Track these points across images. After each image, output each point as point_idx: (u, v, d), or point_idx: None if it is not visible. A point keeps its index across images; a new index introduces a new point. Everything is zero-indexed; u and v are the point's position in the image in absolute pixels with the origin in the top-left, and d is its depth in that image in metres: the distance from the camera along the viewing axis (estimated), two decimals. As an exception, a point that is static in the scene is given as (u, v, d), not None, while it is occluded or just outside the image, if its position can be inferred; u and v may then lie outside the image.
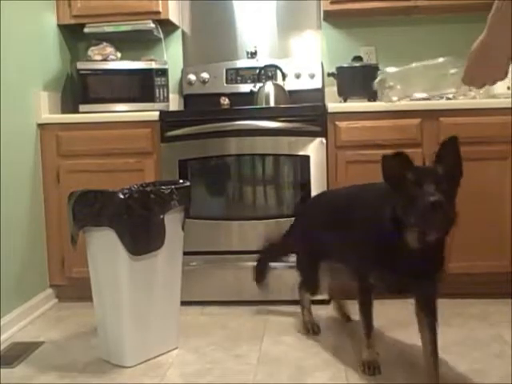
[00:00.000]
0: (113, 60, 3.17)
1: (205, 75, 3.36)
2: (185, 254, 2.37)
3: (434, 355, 1.85)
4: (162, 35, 3.30)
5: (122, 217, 2.06)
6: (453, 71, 1.44)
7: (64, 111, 3.19)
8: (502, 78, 1.37)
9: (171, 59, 3.36)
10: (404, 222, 1.71)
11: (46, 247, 2.94)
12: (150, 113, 2.90)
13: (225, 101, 3.27)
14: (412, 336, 2.12)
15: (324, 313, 2.65)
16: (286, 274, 2.80)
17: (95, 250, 2.17)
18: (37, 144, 2.89)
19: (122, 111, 3.04)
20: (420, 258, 1.77)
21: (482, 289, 2.73)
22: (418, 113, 2.68)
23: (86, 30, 3.16)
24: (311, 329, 2.42)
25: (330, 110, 2.78)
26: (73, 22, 3.15)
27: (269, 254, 2.59)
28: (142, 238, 2.10)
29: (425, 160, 1.82)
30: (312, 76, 3.31)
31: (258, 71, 3.24)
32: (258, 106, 3.07)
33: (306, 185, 2.78)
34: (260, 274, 2.59)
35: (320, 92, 3.33)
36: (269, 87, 3.12)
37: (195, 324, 2.59)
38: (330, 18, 3.31)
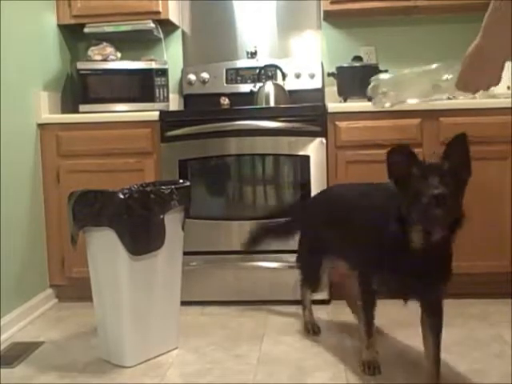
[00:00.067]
0: (113, 60, 3.17)
1: (205, 75, 3.36)
2: (185, 254, 2.37)
3: (436, 359, 1.84)
4: (162, 35, 3.30)
5: (121, 217, 2.06)
6: (446, 77, 1.44)
7: (64, 111, 3.19)
8: (496, 84, 1.37)
9: (171, 59, 3.36)
10: (409, 220, 1.68)
11: (46, 247, 2.94)
12: (149, 113, 2.91)
13: (225, 101, 3.27)
14: (412, 336, 2.12)
15: (324, 313, 2.65)
16: (286, 274, 2.80)
17: (95, 249, 2.17)
18: (37, 144, 2.89)
19: (122, 111, 3.04)
20: (425, 262, 1.73)
21: (482, 289, 2.73)
22: (417, 113, 2.68)
23: (85, 30, 3.16)
24: (311, 329, 2.41)
25: (330, 110, 2.78)
26: (73, 22, 3.15)
27: (266, 233, 2.58)
28: (142, 238, 2.10)
29: (424, 160, 1.81)
30: (312, 76, 3.31)
31: (257, 71, 3.24)
32: (258, 106, 3.07)
33: (306, 185, 2.78)
34: (250, 244, 2.58)
35: (320, 92, 3.33)
36: (269, 87, 3.12)
37: (195, 324, 2.59)
38: (330, 18, 3.31)
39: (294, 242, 2.78)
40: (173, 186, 2.19)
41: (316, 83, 3.32)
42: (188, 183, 2.32)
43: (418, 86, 1.51)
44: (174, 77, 3.37)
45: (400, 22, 3.30)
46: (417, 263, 1.74)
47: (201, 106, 3.33)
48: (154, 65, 3.13)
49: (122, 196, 2.07)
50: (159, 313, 2.21)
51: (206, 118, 2.82)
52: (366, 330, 2.00)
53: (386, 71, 3.02)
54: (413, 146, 2.62)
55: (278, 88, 3.14)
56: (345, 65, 3.09)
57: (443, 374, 1.87)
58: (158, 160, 2.85)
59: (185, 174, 2.82)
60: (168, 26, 3.32)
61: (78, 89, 3.09)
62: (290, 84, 3.26)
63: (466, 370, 2.00)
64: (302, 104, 2.92)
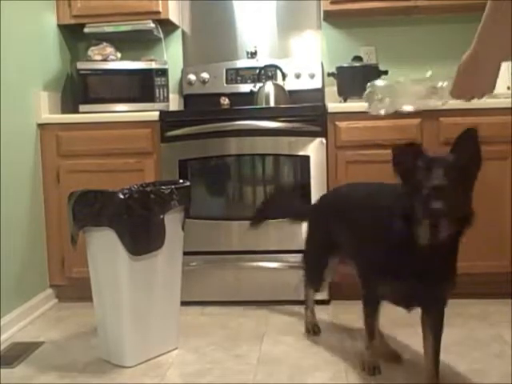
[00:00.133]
0: (113, 60, 3.17)
1: (205, 75, 3.36)
2: (185, 254, 2.37)
3: (435, 359, 1.83)
4: (162, 35, 3.30)
5: (121, 217, 2.06)
6: (441, 84, 1.45)
7: (64, 111, 3.19)
8: (491, 91, 1.37)
9: (171, 59, 3.36)
10: (414, 216, 1.63)
11: (46, 247, 2.94)
12: (149, 113, 2.91)
13: (225, 101, 3.27)
14: (412, 336, 2.12)
15: (324, 313, 2.65)
16: (286, 274, 2.81)
17: (95, 249, 2.17)
18: (37, 144, 2.89)
19: (122, 111, 3.04)
20: (432, 262, 1.70)
21: (482, 289, 2.73)
22: (417, 113, 2.68)
23: (85, 30, 3.16)
24: (312, 329, 2.41)
25: (329, 110, 2.78)
26: (73, 22, 3.15)
27: (275, 210, 2.56)
28: (142, 237, 2.10)
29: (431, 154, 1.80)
30: (312, 76, 3.31)
31: (257, 71, 3.24)
32: (258, 106, 3.07)
33: (306, 185, 2.78)
34: (257, 221, 2.56)
35: (320, 92, 3.33)
36: (269, 87, 3.12)
37: (195, 324, 2.59)
38: (330, 18, 3.31)
39: (294, 243, 2.79)
40: (173, 186, 2.19)
41: (316, 83, 3.32)
42: (188, 183, 2.32)
43: (413, 93, 1.52)
44: (173, 77, 3.37)
45: (400, 22, 3.30)
46: (423, 263, 1.70)
47: (201, 106, 3.33)
48: (153, 65, 3.13)
49: (121, 196, 2.06)
50: (159, 313, 2.21)
51: (206, 118, 2.82)
52: (369, 332, 1.98)
53: (386, 71, 3.04)
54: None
55: (278, 88, 3.14)
56: (345, 65, 3.09)
57: (443, 374, 1.87)
58: (157, 160, 2.85)
59: (185, 174, 2.82)
60: (168, 26, 3.32)
61: (78, 89, 3.09)
62: (290, 84, 3.26)
63: (466, 370, 2.00)
64: (302, 104, 2.92)
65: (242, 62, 3.37)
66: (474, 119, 2.64)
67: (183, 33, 3.45)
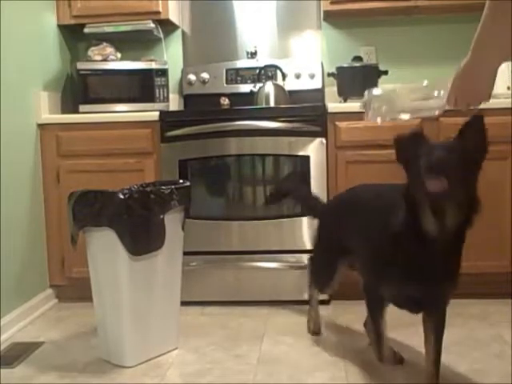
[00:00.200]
0: (113, 60, 3.17)
1: (205, 75, 3.36)
2: (185, 254, 2.37)
3: (436, 359, 1.82)
4: (162, 35, 3.30)
5: (122, 217, 2.06)
6: (437, 93, 1.45)
7: (64, 111, 3.19)
8: (487, 99, 1.37)
9: (171, 59, 3.36)
10: (418, 207, 1.60)
11: (46, 247, 2.94)
12: (150, 113, 2.91)
13: (225, 101, 3.27)
14: (412, 336, 2.12)
15: (324, 313, 2.65)
16: (286, 274, 2.81)
17: (95, 249, 2.17)
18: (37, 144, 2.89)
19: (122, 111, 3.04)
20: (436, 258, 1.66)
21: (482, 289, 2.73)
22: (417, 113, 2.68)
23: (85, 30, 3.16)
24: (313, 329, 2.40)
25: (330, 110, 2.78)
26: (73, 22, 3.15)
27: (289, 192, 2.51)
28: (142, 238, 2.10)
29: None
30: (312, 76, 3.31)
31: (258, 71, 3.24)
32: (258, 106, 3.07)
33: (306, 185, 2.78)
34: (274, 198, 2.53)
35: (320, 92, 3.33)
36: (269, 87, 3.12)
37: (195, 324, 2.59)
38: (330, 18, 3.31)
39: (294, 243, 2.79)
40: (173, 186, 2.19)
41: (316, 83, 3.32)
42: (188, 183, 2.32)
43: (410, 102, 1.52)
44: (174, 77, 3.37)
45: (400, 22, 3.30)
46: (429, 259, 1.65)
47: (201, 106, 3.33)
48: (154, 65, 3.13)
49: (121, 196, 2.07)
50: (159, 313, 2.21)
51: (206, 118, 2.82)
52: (377, 340, 1.91)
53: (386, 72, 3.04)
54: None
55: (278, 88, 3.14)
56: (345, 65, 3.09)
57: (443, 374, 1.87)
58: (157, 160, 2.85)
59: (185, 174, 2.82)
60: (168, 26, 3.32)
61: (78, 89, 3.09)
62: (290, 84, 3.26)
63: (466, 370, 2.00)
64: (302, 104, 2.92)
65: (242, 62, 3.37)
66: (474, 119, 2.64)
67: (183, 33, 3.45)
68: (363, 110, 1.68)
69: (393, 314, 2.16)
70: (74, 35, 3.32)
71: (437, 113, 1.46)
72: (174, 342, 2.31)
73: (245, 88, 3.31)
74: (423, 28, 3.30)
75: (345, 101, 3.03)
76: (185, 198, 2.24)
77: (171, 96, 3.26)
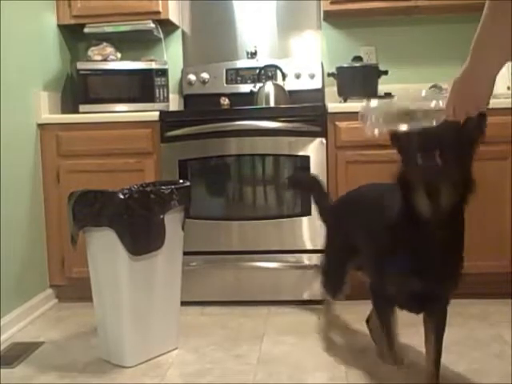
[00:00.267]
0: (113, 60, 3.17)
1: (205, 75, 3.36)
2: (185, 254, 2.37)
3: (436, 359, 1.81)
4: (162, 35, 3.30)
5: (122, 217, 2.06)
6: (435, 103, 1.45)
7: (64, 111, 3.19)
8: (485, 106, 1.37)
9: (171, 59, 3.36)
10: (413, 190, 1.58)
11: (46, 247, 2.94)
12: (150, 113, 2.91)
13: (225, 101, 3.27)
14: (412, 336, 2.12)
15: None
16: (286, 274, 2.81)
17: (95, 249, 2.17)
18: (37, 144, 2.89)
19: (122, 111, 3.04)
20: (434, 248, 1.63)
21: (481, 289, 2.72)
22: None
23: (85, 30, 3.16)
24: (325, 326, 2.32)
25: (330, 110, 2.78)
26: (73, 22, 3.15)
27: (310, 189, 2.46)
28: (142, 237, 2.10)
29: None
30: (312, 76, 3.31)
31: (258, 71, 3.24)
32: (258, 106, 3.07)
33: (306, 185, 2.78)
34: (292, 184, 2.47)
35: (320, 92, 3.33)
36: (269, 87, 3.12)
37: (195, 324, 2.59)
38: (330, 18, 3.31)
39: (294, 242, 2.79)
40: (173, 186, 2.19)
41: (316, 83, 3.32)
42: (188, 183, 2.32)
43: (407, 113, 1.52)
44: (174, 77, 3.37)
45: (400, 22, 3.30)
46: (428, 244, 1.63)
47: (201, 106, 3.33)
48: (154, 65, 3.13)
49: (121, 196, 2.07)
50: (159, 313, 2.21)
51: (206, 118, 2.82)
52: (388, 341, 1.86)
53: (386, 71, 3.04)
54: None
55: (278, 88, 3.14)
56: (345, 65, 3.09)
57: (443, 374, 1.87)
58: (158, 160, 2.85)
59: (185, 174, 2.82)
60: (168, 26, 3.32)
61: (78, 89, 3.09)
62: (290, 84, 3.26)
63: (466, 370, 2.00)
64: (302, 104, 2.92)
65: (242, 62, 3.37)
66: (474, 119, 2.64)
67: (183, 33, 3.45)
68: (361, 122, 1.68)
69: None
70: (74, 35, 3.32)
71: (435, 123, 1.46)
72: (174, 342, 2.31)
73: (245, 88, 3.31)
74: (423, 28, 3.29)
75: (345, 101, 3.03)
76: (185, 198, 2.24)
77: (171, 96, 3.26)
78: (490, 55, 1.29)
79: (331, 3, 3.06)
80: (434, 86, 2.90)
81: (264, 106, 3.07)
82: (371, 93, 2.85)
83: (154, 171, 2.84)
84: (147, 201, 2.11)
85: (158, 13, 3.12)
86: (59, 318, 2.77)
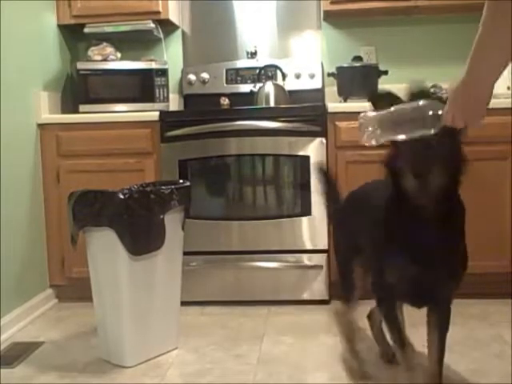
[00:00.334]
0: (113, 60, 3.17)
1: (205, 75, 3.36)
2: (185, 254, 2.37)
3: (439, 358, 1.78)
4: (162, 35, 3.30)
5: (122, 217, 2.06)
6: (433, 113, 1.45)
7: (64, 111, 3.19)
8: (483, 115, 1.37)
9: (171, 59, 3.36)
10: (399, 175, 1.56)
11: (46, 247, 2.94)
12: (149, 113, 2.91)
13: (225, 101, 3.27)
14: (412, 336, 2.11)
15: (324, 313, 2.65)
16: (286, 274, 2.81)
17: (95, 249, 2.17)
18: (37, 144, 2.89)
19: (122, 111, 3.04)
20: (430, 235, 1.59)
21: (481, 289, 2.72)
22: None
23: (85, 30, 3.16)
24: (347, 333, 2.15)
25: (330, 110, 2.78)
26: (73, 22, 3.15)
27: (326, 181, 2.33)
28: (142, 237, 2.10)
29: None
30: (312, 76, 3.31)
31: (258, 71, 3.24)
32: (258, 106, 3.07)
33: (305, 185, 2.78)
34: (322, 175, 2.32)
35: (320, 92, 3.33)
36: (269, 87, 3.12)
37: (195, 324, 2.60)
38: (330, 18, 3.31)
39: (294, 242, 2.79)
40: (173, 186, 2.19)
41: (316, 83, 3.32)
42: (188, 183, 2.33)
43: (404, 122, 1.51)
44: (173, 77, 3.37)
45: (400, 22, 3.30)
46: (423, 230, 1.59)
47: (201, 106, 3.33)
48: (154, 65, 3.13)
49: (121, 196, 2.07)
50: (159, 313, 2.21)
51: (206, 118, 2.82)
52: (397, 343, 1.79)
53: (386, 71, 3.04)
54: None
55: (278, 88, 3.14)
56: (345, 65, 3.09)
57: (443, 374, 1.86)
58: (158, 160, 2.85)
59: (185, 174, 2.82)
60: (168, 26, 3.32)
61: (78, 89, 3.09)
62: (290, 84, 3.26)
63: (466, 370, 2.00)
64: (302, 104, 2.92)
65: (242, 62, 3.37)
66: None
67: (183, 33, 3.45)
68: (359, 131, 1.69)
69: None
70: (74, 35, 3.32)
71: (432, 132, 1.46)
72: (174, 342, 2.31)
73: (245, 88, 3.31)
74: (423, 28, 3.29)
75: (345, 101, 3.03)
76: (185, 198, 2.24)
77: (171, 96, 3.26)
78: (490, 57, 1.29)
79: (331, 3, 3.06)
80: (434, 86, 2.89)
81: (264, 106, 3.07)
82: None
83: (154, 171, 2.84)
84: (147, 201, 2.11)
85: (158, 13, 3.12)
86: (59, 318, 2.77)
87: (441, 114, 1.43)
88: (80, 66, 3.08)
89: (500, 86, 2.10)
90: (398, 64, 3.25)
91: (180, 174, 2.81)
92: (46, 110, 2.95)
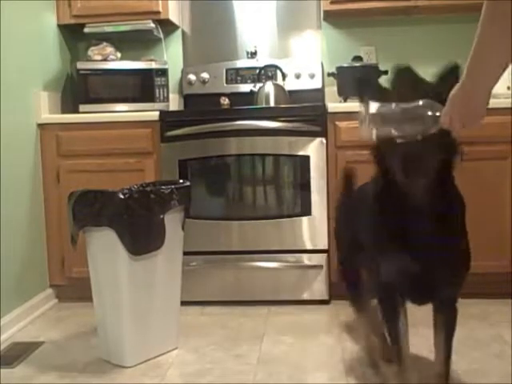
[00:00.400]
0: (113, 60, 3.17)
1: (205, 75, 3.36)
2: (185, 254, 2.37)
3: (446, 358, 1.75)
4: (162, 35, 3.30)
5: (122, 217, 2.06)
6: (431, 114, 1.45)
7: (64, 111, 3.19)
8: (481, 118, 1.37)
9: (171, 59, 3.36)
10: (387, 164, 1.54)
11: (46, 247, 2.94)
12: (150, 113, 2.91)
13: (225, 101, 3.27)
14: (412, 336, 2.11)
15: (324, 313, 2.65)
16: (286, 274, 2.81)
17: (95, 250, 2.17)
18: (37, 144, 2.89)
19: (122, 111, 3.04)
20: (425, 225, 1.56)
21: (481, 289, 2.72)
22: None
23: (86, 29, 3.16)
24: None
25: (330, 110, 2.78)
26: (73, 21, 3.15)
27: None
28: (142, 237, 2.10)
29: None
30: (312, 76, 3.31)
31: (258, 71, 3.24)
32: (258, 106, 3.07)
33: (305, 185, 2.78)
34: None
35: (320, 92, 3.33)
36: (269, 87, 3.12)
37: (195, 324, 2.60)
38: (330, 18, 3.31)
39: (294, 242, 2.79)
40: (173, 186, 2.19)
41: (316, 83, 3.32)
42: (188, 183, 2.32)
43: (404, 121, 1.52)
44: (174, 77, 3.37)
45: (400, 22, 3.30)
46: (417, 220, 1.56)
47: (201, 106, 3.33)
48: (154, 65, 3.13)
49: (121, 196, 2.07)
50: (159, 313, 2.21)
51: (206, 117, 2.82)
52: (396, 353, 1.78)
53: (386, 71, 3.03)
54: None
55: (278, 88, 3.14)
56: (345, 65, 3.09)
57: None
58: (157, 160, 2.85)
59: (185, 174, 2.82)
60: (168, 26, 3.32)
61: (78, 89, 3.09)
62: (290, 84, 3.26)
63: (466, 370, 2.00)
64: (302, 104, 2.92)
65: (242, 62, 3.37)
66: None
67: (183, 33, 3.45)
68: (359, 124, 1.69)
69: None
70: (73, 35, 3.32)
71: (432, 133, 1.46)
72: (174, 342, 2.31)
73: (245, 88, 3.31)
74: (423, 28, 3.30)
75: (345, 101, 3.03)
76: (185, 198, 2.24)
77: (171, 96, 3.26)
78: (489, 58, 1.28)
79: (331, 3, 3.06)
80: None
81: (264, 105, 3.07)
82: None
83: (154, 171, 2.84)
84: (147, 201, 2.11)
85: (158, 13, 3.12)
86: (59, 317, 2.77)
87: (439, 116, 1.43)
88: (80, 65, 3.08)
89: (500, 86, 2.10)
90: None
91: (180, 173, 2.81)
92: (45, 109, 2.95)
